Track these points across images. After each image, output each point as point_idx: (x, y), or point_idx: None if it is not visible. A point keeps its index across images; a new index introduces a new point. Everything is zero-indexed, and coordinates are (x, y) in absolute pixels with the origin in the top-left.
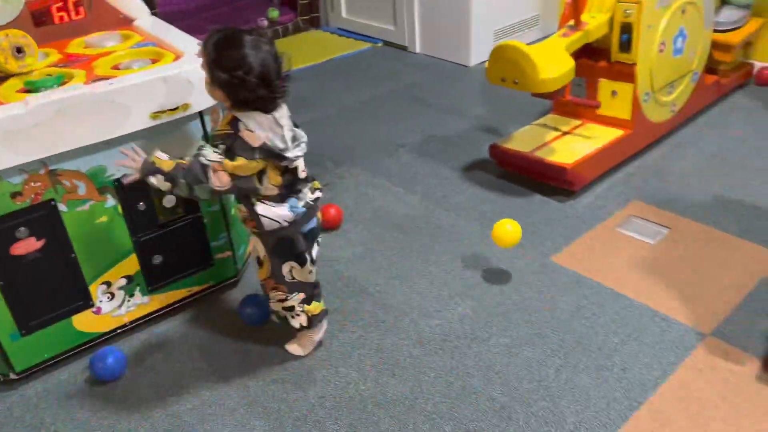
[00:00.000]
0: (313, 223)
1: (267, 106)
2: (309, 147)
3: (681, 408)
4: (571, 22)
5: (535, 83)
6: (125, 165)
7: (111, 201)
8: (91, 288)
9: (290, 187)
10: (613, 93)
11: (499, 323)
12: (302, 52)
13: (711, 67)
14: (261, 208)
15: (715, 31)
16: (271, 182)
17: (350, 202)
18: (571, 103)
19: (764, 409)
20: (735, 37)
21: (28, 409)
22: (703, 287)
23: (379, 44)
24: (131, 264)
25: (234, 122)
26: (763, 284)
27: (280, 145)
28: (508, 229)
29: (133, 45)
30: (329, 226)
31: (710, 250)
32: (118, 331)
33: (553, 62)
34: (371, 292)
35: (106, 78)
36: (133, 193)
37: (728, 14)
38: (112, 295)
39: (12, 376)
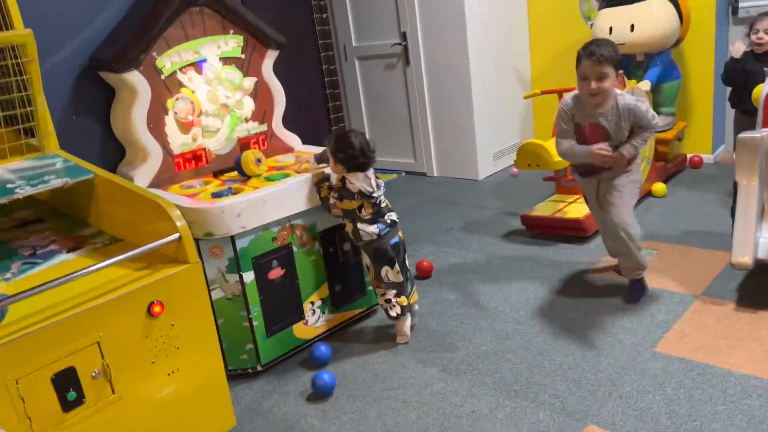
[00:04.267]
0: (396, 239)
1: (364, 167)
2: None
3: (692, 328)
4: None
5: (551, 164)
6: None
7: (317, 246)
8: (304, 305)
9: (377, 213)
10: None
11: (568, 304)
12: None
13: (658, 157)
14: (360, 225)
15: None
16: (366, 211)
17: (432, 261)
18: (571, 180)
19: (738, 322)
20: (669, 135)
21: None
22: (689, 274)
23: (402, 174)
24: (324, 290)
25: (343, 179)
26: (727, 267)
27: (369, 190)
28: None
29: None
30: (426, 274)
31: (687, 255)
32: (315, 339)
33: None
34: (472, 303)
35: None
36: (327, 241)
37: (661, 119)
38: (314, 312)
39: (258, 368)
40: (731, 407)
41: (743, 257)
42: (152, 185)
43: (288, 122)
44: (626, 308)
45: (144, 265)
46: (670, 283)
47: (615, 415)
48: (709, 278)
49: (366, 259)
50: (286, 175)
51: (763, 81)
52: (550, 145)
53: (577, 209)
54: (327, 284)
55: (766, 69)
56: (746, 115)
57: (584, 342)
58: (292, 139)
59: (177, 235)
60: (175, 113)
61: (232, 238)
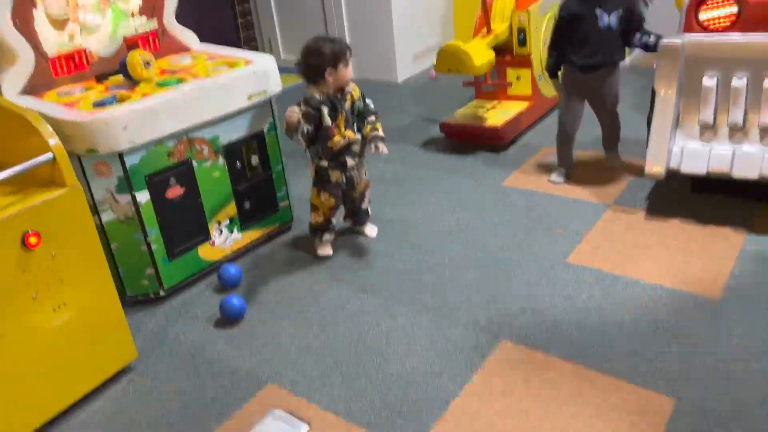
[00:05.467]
0: None
1: None
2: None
3: (604, 238)
4: (484, 30)
5: (472, 68)
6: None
7: (221, 161)
8: (210, 225)
9: None
10: (518, 77)
11: (483, 218)
12: None
13: None
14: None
15: None
16: None
17: None
18: (491, 85)
19: (648, 230)
20: None
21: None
22: (601, 182)
23: None
24: (232, 208)
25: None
26: (638, 177)
27: None
28: None
29: (206, 59)
30: None
31: (600, 162)
32: (224, 260)
33: (481, 54)
34: (390, 218)
35: (210, 77)
36: (233, 155)
37: None
38: (221, 232)
39: (161, 293)
40: (638, 317)
41: (657, 167)
42: (24, 92)
43: (182, 17)
44: (540, 220)
45: (14, 190)
46: (583, 193)
47: (527, 328)
48: (621, 187)
49: (365, 174)
50: (181, 80)
51: (593, 24)
52: (472, 48)
53: (495, 116)
54: (234, 202)
55: (598, 11)
56: (580, 71)
57: (499, 256)
58: (189, 37)
59: (50, 154)
60: (46, 7)
61: (120, 155)
